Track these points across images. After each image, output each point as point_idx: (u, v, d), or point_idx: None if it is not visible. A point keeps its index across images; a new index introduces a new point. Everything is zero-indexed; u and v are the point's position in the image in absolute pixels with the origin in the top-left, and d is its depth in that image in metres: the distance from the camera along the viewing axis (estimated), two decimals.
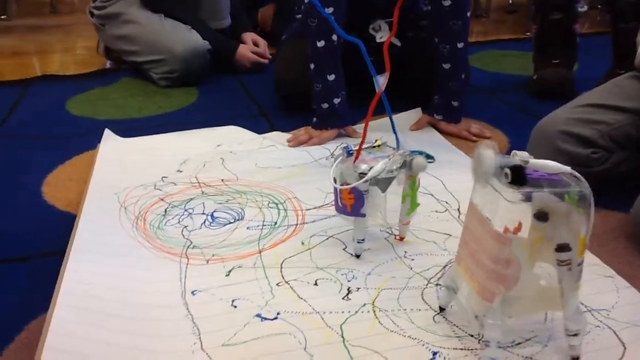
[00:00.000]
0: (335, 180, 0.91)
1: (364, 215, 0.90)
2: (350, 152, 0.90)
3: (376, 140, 0.93)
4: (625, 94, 1.13)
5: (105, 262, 0.93)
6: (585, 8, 1.72)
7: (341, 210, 0.92)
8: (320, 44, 1.34)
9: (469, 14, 1.41)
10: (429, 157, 1.26)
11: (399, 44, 1.58)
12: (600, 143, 1.09)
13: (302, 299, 0.85)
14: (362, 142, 0.90)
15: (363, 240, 0.93)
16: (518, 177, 0.65)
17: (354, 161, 0.89)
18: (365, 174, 0.87)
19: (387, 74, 0.87)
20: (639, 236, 0.98)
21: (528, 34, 2.40)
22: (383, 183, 0.88)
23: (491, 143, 0.67)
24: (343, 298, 0.85)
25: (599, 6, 2.79)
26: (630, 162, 1.12)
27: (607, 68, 1.65)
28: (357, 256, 0.94)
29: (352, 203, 0.89)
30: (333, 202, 1.09)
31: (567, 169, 0.67)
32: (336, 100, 1.37)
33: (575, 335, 0.71)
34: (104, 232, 1.02)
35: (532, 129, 1.17)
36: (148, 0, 1.87)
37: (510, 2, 2.93)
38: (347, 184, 0.88)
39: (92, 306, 0.83)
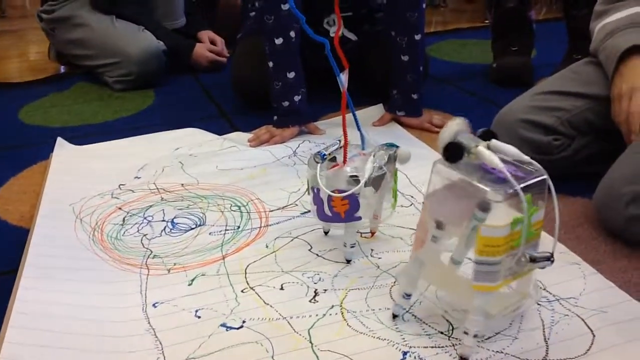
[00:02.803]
0: (315, 190, 0.87)
1: (359, 219, 0.87)
2: (325, 156, 0.87)
3: (340, 141, 0.90)
4: (583, 80, 1.13)
5: (60, 278, 0.89)
6: None
7: (332, 218, 0.87)
8: (279, 41, 1.31)
9: (424, 5, 1.40)
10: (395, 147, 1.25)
11: (355, 38, 1.56)
12: (560, 130, 1.09)
13: (268, 304, 0.82)
14: (346, 145, 0.87)
15: (354, 244, 0.91)
16: (452, 154, 0.67)
17: (343, 164, 0.86)
18: (356, 176, 0.84)
19: (347, 70, 0.85)
20: (602, 222, 0.98)
21: (487, 21, 2.41)
22: (376, 181, 0.85)
23: (462, 120, 0.68)
24: (310, 301, 0.83)
25: None
26: (590, 148, 1.12)
27: (564, 53, 1.66)
28: (348, 261, 0.91)
29: (346, 209, 0.85)
30: (296, 203, 1.08)
31: (527, 158, 0.67)
32: (296, 98, 1.35)
33: (466, 334, 0.70)
34: (58, 246, 0.97)
35: (494, 117, 1.16)
36: (98, 2, 1.81)
37: None
38: (340, 191, 0.84)
39: (47, 326, 0.79)
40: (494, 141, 0.67)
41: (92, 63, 1.82)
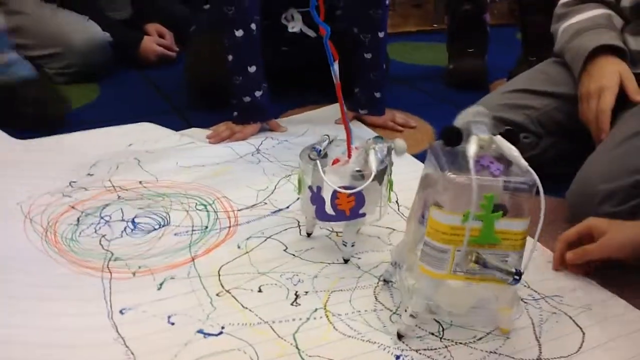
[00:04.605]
0: (316, 188, 0.82)
1: (364, 215, 0.83)
2: (320, 152, 0.82)
3: (328, 136, 0.86)
4: (550, 79, 1.14)
5: (11, 282, 0.80)
6: None
7: (335, 217, 0.82)
8: (239, 33, 1.25)
9: (387, 2, 1.38)
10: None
11: (314, 35, 1.52)
12: (530, 128, 1.10)
13: (247, 308, 0.77)
14: (349, 138, 0.83)
15: (354, 243, 0.87)
16: (450, 138, 0.65)
17: (348, 159, 0.82)
18: (360, 171, 0.80)
19: (337, 62, 0.82)
20: (575, 219, 0.98)
21: (435, 25, 2.43)
22: (380, 175, 0.81)
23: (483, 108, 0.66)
24: (292, 304, 0.78)
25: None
26: (557, 148, 1.13)
27: (518, 56, 1.69)
28: (346, 261, 0.87)
29: (351, 206, 0.81)
30: (266, 202, 1.03)
31: (524, 164, 0.64)
32: (258, 93, 1.29)
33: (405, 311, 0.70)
34: (7, 247, 0.88)
35: (454, 116, 1.15)
36: None
37: None
38: (346, 187, 0.79)
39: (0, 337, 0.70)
40: (499, 137, 0.65)
41: (31, 53, 1.68)
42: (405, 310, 0.70)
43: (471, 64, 1.69)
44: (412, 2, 2.93)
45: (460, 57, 1.72)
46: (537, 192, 0.64)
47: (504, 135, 0.64)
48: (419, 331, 0.74)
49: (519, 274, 0.64)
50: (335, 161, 0.84)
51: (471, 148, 0.63)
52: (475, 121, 0.66)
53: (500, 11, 2.66)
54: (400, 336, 0.72)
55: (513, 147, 0.64)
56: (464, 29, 1.72)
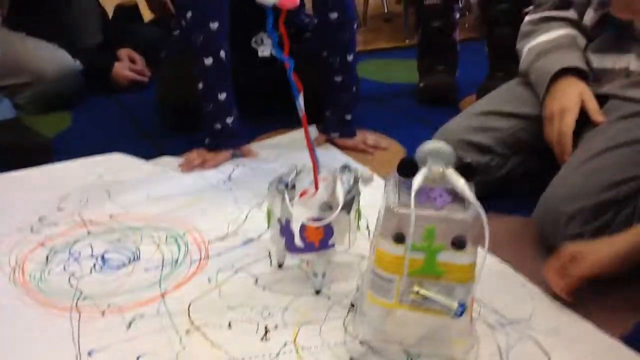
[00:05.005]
0: (284, 221, 0.83)
1: (334, 246, 0.84)
2: (288, 184, 0.83)
3: (296, 167, 0.87)
4: (515, 100, 1.16)
5: None
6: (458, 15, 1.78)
7: (305, 249, 0.83)
8: (208, 61, 1.26)
9: (355, 25, 1.40)
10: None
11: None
12: (496, 150, 1.12)
13: (216, 346, 0.77)
14: (315, 171, 0.84)
15: (325, 274, 0.87)
16: (406, 170, 0.67)
17: (316, 191, 0.83)
18: (329, 202, 0.80)
19: (302, 94, 0.83)
20: (543, 239, 1.00)
21: (407, 41, 2.46)
22: (348, 205, 0.82)
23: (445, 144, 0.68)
24: (262, 339, 0.78)
25: (467, 13, 2.94)
26: (524, 166, 1.15)
27: (487, 72, 1.71)
28: (318, 292, 0.87)
29: (320, 238, 0.82)
30: (237, 232, 1.03)
31: (473, 198, 0.65)
32: (229, 120, 1.30)
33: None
34: None
35: (425, 135, 1.16)
36: (6, 17, 1.68)
37: (386, 10, 2.99)
38: (314, 220, 0.80)
39: None
40: (450, 170, 0.66)
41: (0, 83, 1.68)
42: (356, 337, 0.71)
43: (441, 82, 1.71)
44: (382, 16, 2.97)
45: (430, 75, 1.73)
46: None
47: (460, 168, 0.66)
48: None
49: (463, 306, 0.66)
50: (303, 193, 0.85)
51: (416, 181, 0.65)
52: (435, 153, 0.67)
53: (471, 24, 2.70)
54: None
55: (462, 181, 0.65)
56: (433, 47, 1.74)
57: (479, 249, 0.67)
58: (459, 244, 0.64)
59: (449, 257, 0.65)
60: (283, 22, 0.79)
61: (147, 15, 2.31)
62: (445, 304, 0.65)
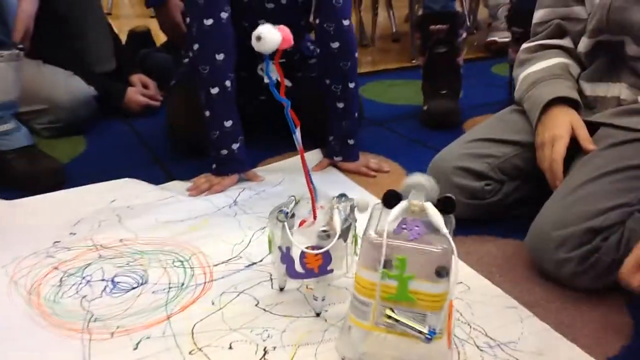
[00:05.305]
0: (284, 249, 0.88)
1: (332, 271, 0.88)
2: (287, 214, 0.88)
3: (295, 197, 0.92)
4: (509, 128, 1.20)
5: None
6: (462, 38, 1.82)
7: (305, 275, 0.88)
8: (214, 90, 1.31)
9: (356, 54, 1.45)
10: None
11: (289, 84, 1.58)
12: (491, 175, 1.15)
13: None
14: (313, 201, 0.89)
15: (325, 297, 0.92)
16: (389, 201, 0.73)
17: (314, 220, 0.88)
18: (327, 231, 0.85)
19: (298, 128, 0.88)
20: (535, 263, 1.03)
21: (414, 61, 2.51)
22: (344, 233, 0.87)
23: (429, 178, 0.73)
24: None
25: (475, 32, 2.99)
26: (519, 191, 1.19)
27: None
28: (318, 314, 0.92)
29: (319, 264, 0.87)
30: (240, 256, 1.08)
31: (445, 232, 0.71)
32: (235, 146, 1.35)
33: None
34: None
35: (427, 159, 1.21)
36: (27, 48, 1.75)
37: (394, 30, 3.05)
38: (313, 247, 0.85)
39: None
40: (428, 204, 0.71)
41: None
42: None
43: (444, 106, 1.75)
44: (391, 36, 3.03)
45: (433, 99, 1.78)
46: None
47: (440, 202, 0.70)
48: None
49: (433, 332, 0.70)
50: (302, 222, 0.90)
51: (393, 213, 0.70)
52: (417, 187, 0.72)
53: (474, 46, 2.74)
54: None
55: (438, 215, 0.70)
56: (437, 71, 1.79)
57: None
58: (437, 274, 0.69)
59: (419, 285, 0.71)
60: (279, 60, 0.84)
61: (161, 37, 2.37)
62: (414, 328, 0.70)
